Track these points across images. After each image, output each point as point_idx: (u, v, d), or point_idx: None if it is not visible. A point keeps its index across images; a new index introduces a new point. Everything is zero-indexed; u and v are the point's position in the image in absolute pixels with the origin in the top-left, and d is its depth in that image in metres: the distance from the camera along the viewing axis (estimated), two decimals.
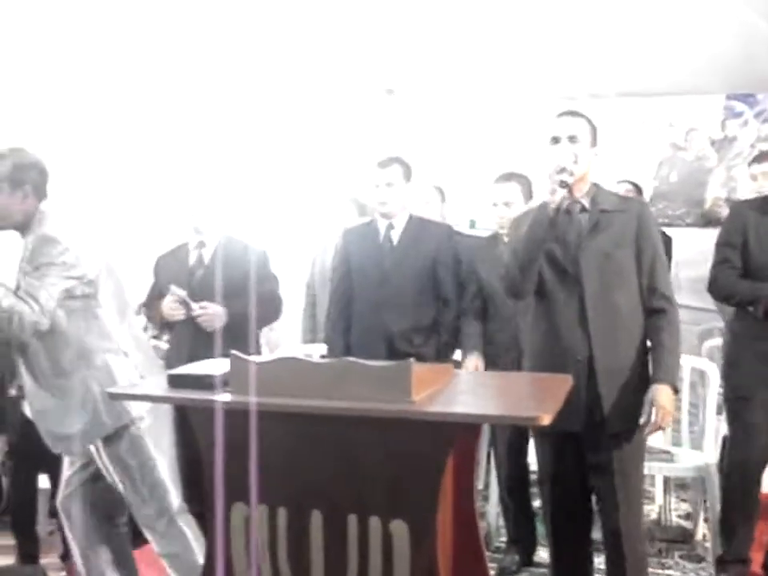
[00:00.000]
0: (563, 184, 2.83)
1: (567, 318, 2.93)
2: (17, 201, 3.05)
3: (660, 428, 2.96)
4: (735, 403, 3.70)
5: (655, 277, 2.97)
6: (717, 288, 3.65)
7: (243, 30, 5.51)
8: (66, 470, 3.35)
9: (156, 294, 4.21)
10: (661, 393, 2.90)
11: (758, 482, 3.72)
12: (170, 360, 4.25)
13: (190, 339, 3.95)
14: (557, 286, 2.96)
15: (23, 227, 3.09)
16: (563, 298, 2.94)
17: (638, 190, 5.16)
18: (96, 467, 3.27)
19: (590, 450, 2.95)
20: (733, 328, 3.79)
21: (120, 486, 3.20)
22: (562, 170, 2.84)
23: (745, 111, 6.81)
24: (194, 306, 3.89)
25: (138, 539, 3.57)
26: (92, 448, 3.16)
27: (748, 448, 3.65)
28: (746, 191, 3.82)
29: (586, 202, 2.99)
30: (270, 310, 4.19)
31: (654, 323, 2.97)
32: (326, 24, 5.59)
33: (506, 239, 3.93)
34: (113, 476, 3.19)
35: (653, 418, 2.88)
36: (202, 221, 4.10)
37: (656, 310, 2.97)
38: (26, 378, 3.19)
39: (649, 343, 2.98)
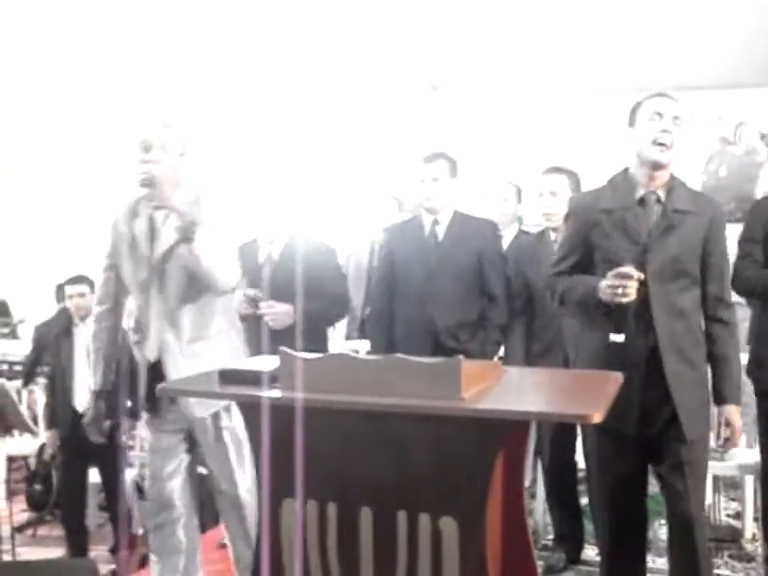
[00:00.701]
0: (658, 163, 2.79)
1: (630, 318, 2.80)
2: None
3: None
4: (765, 400, 3.64)
5: (723, 285, 2.91)
6: (740, 282, 3.57)
7: (293, 28, 5.54)
8: (163, 462, 3.37)
9: None
10: (733, 413, 2.87)
11: None
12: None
13: (259, 336, 3.96)
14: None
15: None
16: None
17: None
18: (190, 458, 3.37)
19: (657, 452, 2.88)
20: (758, 323, 3.72)
21: (213, 464, 3.31)
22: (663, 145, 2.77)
23: None
24: (262, 304, 3.92)
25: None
26: (205, 420, 3.23)
27: None
28: None
29: (662, 194, 2.86)
30: (338, 307, 4.22)
31: (718, 333, 2.90)
32: (371, 21, 5.59)
33: (552, 236, 3.92)
34: (211, 453, 3.28)
35: (725, 435, 2.88)
36: (272, 218, 4.13)
37: (720, 320, 2.90)
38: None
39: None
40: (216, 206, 3.26)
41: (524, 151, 6.68)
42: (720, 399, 2.88)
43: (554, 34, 5.81)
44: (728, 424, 2.88)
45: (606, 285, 2.71)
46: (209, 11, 5.31)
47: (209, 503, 4.41)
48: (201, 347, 3.19)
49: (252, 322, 3.97)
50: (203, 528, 4.27)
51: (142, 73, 6.38)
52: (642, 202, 2.85)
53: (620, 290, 2.66)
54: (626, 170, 2.92)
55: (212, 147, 7.27)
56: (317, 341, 3.95)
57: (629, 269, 2.66)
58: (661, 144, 2.76)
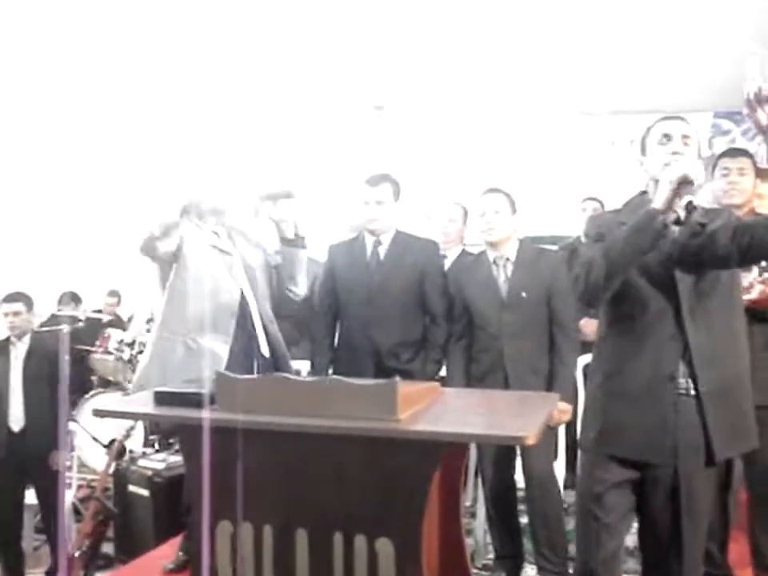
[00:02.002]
0: (690, 207, 2.52)
1: (659, 334, 2.64)
2: None
3: None
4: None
5: None
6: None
7: (233, 48, 5.53)
8: None
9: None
10: None
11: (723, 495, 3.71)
12: None
13: None
14: (646, 298, 2.68)
15: None
16: (653, 312, 2.66)
17: (603, 207, 5.15)
18: None
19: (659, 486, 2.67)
20: None
21: None
22: (689, 183, 2.51)
23: (732, 129, 6.86)
24: None
25: None
26: None
27: None
28: (717, 189, 3.74)
29: (681, 213, 2.66)
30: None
31: None
32: (316, 41, 5.61)
33: (491, 257, 3.94)
34: None
35: None
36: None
37: None
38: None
39: None
40: None
41: (468, 171, 6.73)
42: None
43: (496, 56, 5.88)
44: None
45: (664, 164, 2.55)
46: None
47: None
48: None
49: None
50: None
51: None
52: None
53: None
54: (644, 193, 2.79)
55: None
56: None
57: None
58: (688, 202, 2.56)
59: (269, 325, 3.56)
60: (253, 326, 3.48)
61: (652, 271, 2.66)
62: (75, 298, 7.34)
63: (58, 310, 7.35)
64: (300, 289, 3.67)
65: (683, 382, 2.61)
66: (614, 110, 6.36)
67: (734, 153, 3.86)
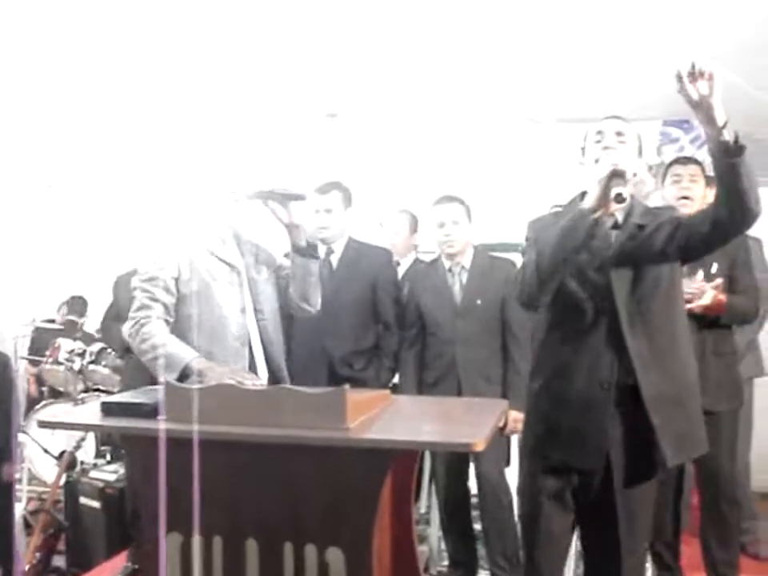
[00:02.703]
0: (619, 197, 2.48)
1: (596, 339, 2.62)
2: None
3: None
4: None
5: None
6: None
7: (191, 55, 5.50)
8: None
9: (114, 314, 4.20)
10: None
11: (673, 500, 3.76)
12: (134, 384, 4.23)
13: None
14: (582, 302, 2.65)
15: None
16: (589, 317, 2.64)
17: None
18: None
19: (605, 490, 2.64)
20: None
21: None
22: (619, 176, 2.49)
23: (681, 137, 6.95)
24: None
25: None
26: None
27: None
28: (669, 196, 3.79)
29: (620, 217, 2.69)
30: None
31: None
32: (268, 47, 5.59)
33: (447, 264, 3.96)
34: None
35: None
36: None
37: None
38: None
39: None
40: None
41: (421, 180, 6.75)
42: None
43: (450, 63, 5.90)
44: None
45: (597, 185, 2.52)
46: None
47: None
48: None
49: None
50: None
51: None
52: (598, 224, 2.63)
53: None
54: (584, 193, 2.70)
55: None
56: None
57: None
58: (616, 194, 2.53)
59: (268, 347, 3.11)
60: (251, 349, 3.06)
61: (588, 275, 2.65)
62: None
63: (65, 316, 7.28)
64: (313, 307, 3.24)
65: (622, 387, 2.59)
66: (561, 117, 6.42)
67: (684, 160, 3.93)
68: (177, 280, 2.94)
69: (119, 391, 3.87)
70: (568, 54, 5.65)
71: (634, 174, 2.67)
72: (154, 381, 2.71)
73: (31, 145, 7.12)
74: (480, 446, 2.06)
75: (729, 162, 2.35)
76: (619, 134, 2.68)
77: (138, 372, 4.08)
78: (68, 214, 7.90)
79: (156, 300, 2.89)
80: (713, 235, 2.52)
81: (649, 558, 4.06)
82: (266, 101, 6.52)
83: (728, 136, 2.35)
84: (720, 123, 2.34)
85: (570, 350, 2.65)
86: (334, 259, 4.03)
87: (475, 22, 5.18)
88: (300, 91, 6.40)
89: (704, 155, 7.03)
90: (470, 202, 4.07)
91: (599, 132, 2.70)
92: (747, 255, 3.60)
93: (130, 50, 5.52)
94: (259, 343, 3.08)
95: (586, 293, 2.64)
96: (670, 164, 3.95)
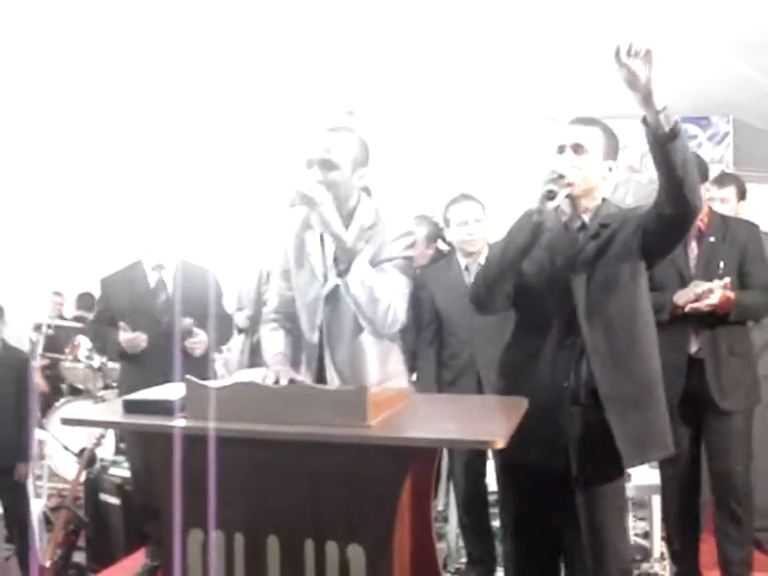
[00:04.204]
0: (550, 194, 2.51)
1: (554, 338, 2.65)
2: (353, 184, 2.76)
3: None
4: None
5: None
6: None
7: (198, 53, 5.52)
8: None
9: (107, 318, 4.20)
10: None
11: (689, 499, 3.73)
12: (129, 385, 4.25)
13: (154, 364, 3.92)
14: (543, 302, 2.68)
15: (346, 216, 2.75)
16: (550, 316, 2.66)
17: None
18: None
19: (568, 491, 2.65)
20: None
21: None
22: (554, 179, 2.53)
23: (699, 134, 6.93)
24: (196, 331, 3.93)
25: None
26: None
27: (674, 463, 3.66)
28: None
29: (587, 218, 2.70)
30: (227, 330, 4.22)
31: None
32: (287, 46, 5.61)
33: (464, 263, 3.96)
34: None
35: None
36: (157, 242, 4.11)
37: None
38: None
39: None
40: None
41: (437, 177, 6.75)
42: None
43: (466, 61, 5.91)
44: None
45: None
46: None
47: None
48: None
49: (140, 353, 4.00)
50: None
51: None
52: (566, 227, 2.72)
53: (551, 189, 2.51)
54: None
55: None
56: (210, 366, 4.04)
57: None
58: (546, 190, 2.56)
59: None
60: None
61: (551, 275, 2.67)
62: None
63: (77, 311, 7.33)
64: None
65: (582, 386, 2.60)
66: (579, 114, 6.40)
67: None
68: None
69: (120, 393, 3.89)
70: (584, 52, 5.64)
71: (604, 178, 2.68)
72: (143, 384, 2.70)
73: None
74: (500, 444, 2.06)
75: (663, 147, 2.35)
76: (578, 146, 2.64)
77: (132, 374, 4.12)
78: (76, 211, 7.96)
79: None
80: (661, 231, 2.53)
81: (667, 556, 4.07)
82: (285, 99, 6.54)
83: (664, 121, 2.33)
84: (658, 107, 2.32)
85: (533, 348, 2.68)
86: None
87: (493, 21, 5.19)
88: (319, 89, 6.42)
89: (722, 152, 7.04)
90: (486, 199, 4.06)
91: (560, 146, 2.67)
92: (759, 248, 3.56)
93: (142, 51, 5.55)
94: None
95: (548, 292, 2.66)
96: (710, 184, 3.85)
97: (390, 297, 2.65)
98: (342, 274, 2.63)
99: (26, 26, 5.17)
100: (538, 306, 2.68)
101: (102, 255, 5.71)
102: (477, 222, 3.89)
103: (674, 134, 2.34)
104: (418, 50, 5.74)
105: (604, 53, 5.59)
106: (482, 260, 3.91)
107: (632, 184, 6.90)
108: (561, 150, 2.66)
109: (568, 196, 2.61)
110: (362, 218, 2.77)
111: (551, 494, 2.68)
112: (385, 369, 2.83)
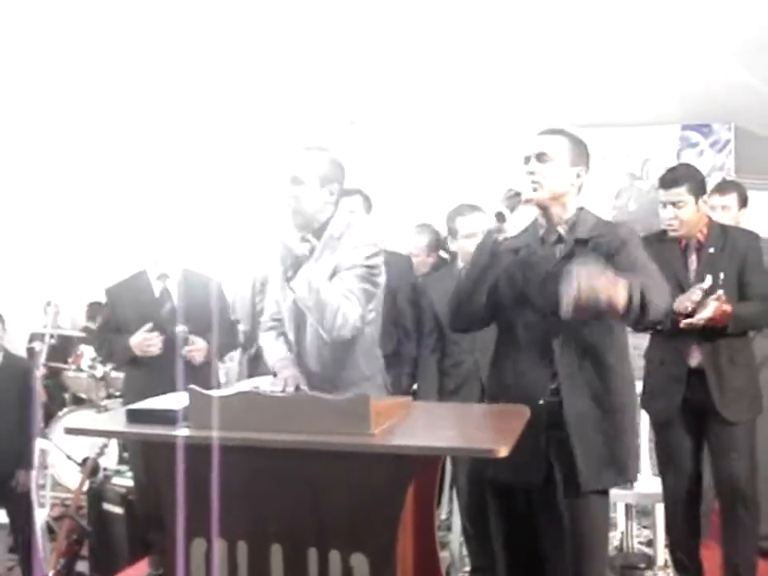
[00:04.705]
0: (499, 217, 2.60)
1: (531, 355, 2.66)
2: (321, 199, 2.91)
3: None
4: (660, 432, 3.66)
5: None
6: None
7: (202, 61, 5.54)
8: None
9: (113, 327, 4.20)
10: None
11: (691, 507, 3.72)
12: (134, 394, 4.26)
13: (160, 373, 3.94)
14: (521, 319, 2.69)
15: (319, 228, 2.92)
16: (527, 333, 2.68)
17: None
18: None
19: (545, 508, 2.67)
20: (647, 354, 3.75)
21: None
22: (509, 197, 2.60)
23: (700, 141, 6.93)
24: (189, 339, 3.93)
25: None
26: None
27: (676, 472, 3.66)
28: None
29: (563, 231, 2.71)
30: (232, 338, 4.23)
31: None
32: (290, 54, 5.62)
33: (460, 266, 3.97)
34: None
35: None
36: (162, 252, 4.12)
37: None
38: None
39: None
40: None
41: (439, 186, 6.76)
42: None
43: (468, 70, 5.92)
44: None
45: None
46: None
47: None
48: None
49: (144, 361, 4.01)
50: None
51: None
52: (543, 240, 2.74)
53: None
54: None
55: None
56: (214, 374, 4.07)
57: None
58: (497, 213, 2.65)
59: None
60: None
61: (528, 292, 2.68)
62: None
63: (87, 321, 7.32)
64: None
65: (553, 405, 2.61)
66: (581, 123, 6.42)
67: (669, 182, 3.58)
68: None
69: (125, 402, 3.89)
70: (586, 61, 5.66)
71: (572, 185, 2.70)
72: (149, 392, 2.74)
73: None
74: (503, 452, 2.06)
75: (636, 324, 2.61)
76: (541, 155, 2.68)
77: (137, 383, 4.13)
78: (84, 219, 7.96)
79: None
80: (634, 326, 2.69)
81: (671, 564, 4.06)
82: (288, 108, 6.55)
83: (627, 309, 2.41)
84: (622, 311, 2.40)
85: (511, 365, 2.72)
86: None
87: (494, 31, 5.20)
88: (321, 99, 6.44)
89: (723, 159, 7.04)
90: (488, 209, 4.06)
91: (526, 157, 2.71)
92: (758, 258, 3.53)
93: (143, 61, 5.57)
94: None
95: (523, 310, 2.69)
96: (710, 193, 3.80)
97: (338, 301, 2.75)
98: (289, 279, 2.77)
99: (27, 30, 5.19)
100: (515, 324, 2.71)
101: (107, 264, 5.70)
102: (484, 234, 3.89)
103: (631, 306, 2.40)
104: (420, 59, 5.75)
105: (607, 62, 5.62)
106: None
107: (634, 191, 6.93)
108: (526, 160, 2.70)
109: (540, 207, 2.68)
110: (333, 229, 2.91)
111: (532, 507, 2.69)
112: (351, 372, 2.92)
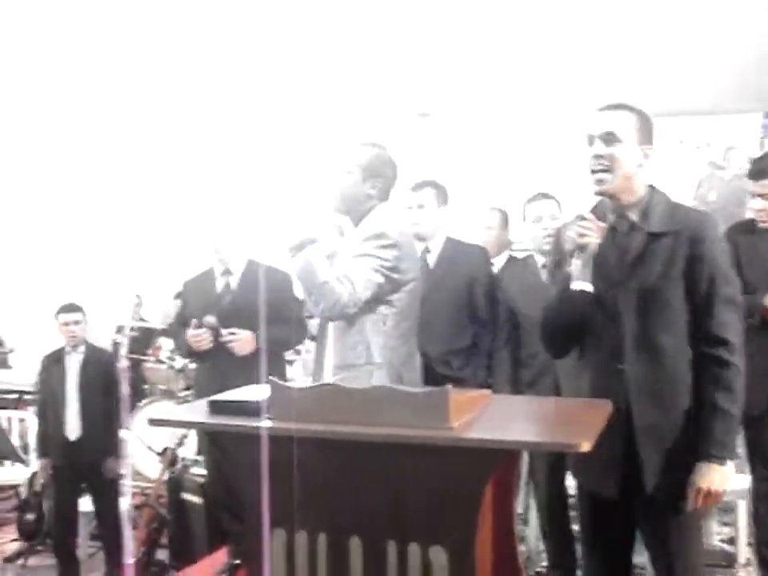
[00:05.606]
0: (573, 253, 2.51)
1: (603, 361, 2.55)
2: (363, 190, 3.12)
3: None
4: (750, 427, 3.60)
5: (710, 316, 2.45)
6: None
7: (275, 55, 5.57)
8: None
9: (183, 321, 4.30)
10: (706, 475, 2.40)
11: None
12: (200, 386, 4.34)
13: (219, 365, 4.03)
14: (593, 322, 2.56)
15: (357, 217, 3.15)
16: (599, 338, 2.56)
17: None
18: None
19: (639, 518, 2.56)
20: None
21: None
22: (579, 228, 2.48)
23: None
24: (224, 332, 3.98)
25: None
26: None
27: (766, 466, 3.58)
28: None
29: (635, 217, 2.52)
30: (299, 332, 4.27)
31: (705, 375, 2.47)
32: (361, 47, 5.64)
33: (540, 260, 3.94)
34: None
35: (696, 504, 2.43)
36: (225, 247, 4.19)
37: (710, 358, 2.46)
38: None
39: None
40: None
41: (513, 177, 6.71)
42: (699, 454, 2.44)
43: (540, 60, 5.86)
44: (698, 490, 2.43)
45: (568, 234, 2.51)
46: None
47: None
48: None
49: (208, 353, 4.10)
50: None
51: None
52: (613, 228, 2.56)
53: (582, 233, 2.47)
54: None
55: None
56: (277, 367, 4.12)
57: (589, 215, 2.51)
58: (593, 172, 2.51)
59: None
60: None
61: (599, 295, 2.52)
62: None
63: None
64: None
65: (624, 414, 2.46)
66: (658, 111, 6.30)
67: (757, 173, 3.55)
68: None
69: (200, 395, 3.96)
70: (667, 48, 5.56)
71: (641, 166, 2.52)
72: (223, 384, 2.85)
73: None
74: (586, 446, 2.03)
75: None
76: (609, 135, 2.49)
77: (208, 372, 4.21)
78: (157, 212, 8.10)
79: None
80: None
81: (754, 562, 3.98)
82: (359, 102, 6.57)
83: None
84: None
85: (591, 369, 2.60)
86: (432, 258, 4.03)
87: (570, 18, 5.13)
88: (393, 92, 6.44)
89: None
90: (568, 199, 4.05)
91: (589, 137, 2.53)
92: None
93: (212, 47, 5.62)
94: None
95: (597, 312, 2.54)
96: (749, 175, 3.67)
97: (333, 282, 2.88)
98: (292, 258, 2.99)
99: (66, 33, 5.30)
100: (591, 328, 2.58)
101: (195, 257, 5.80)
102: (553, 220, 3.91)
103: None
104: (490, 50, 5.71)
105: (687, 48, 5.50)
106: None
107: (715, 181, 6.78)
108: (590, 140, 2.53)
109: (609, 196, 2.53)
110: (368, 220, 3.09)
111: (620, 514, 2.58)
112: (356, 354, 3.04)
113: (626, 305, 2.50)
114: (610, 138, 2.48)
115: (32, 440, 5.60)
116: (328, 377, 3.03)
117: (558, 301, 2.61)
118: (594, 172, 2.49)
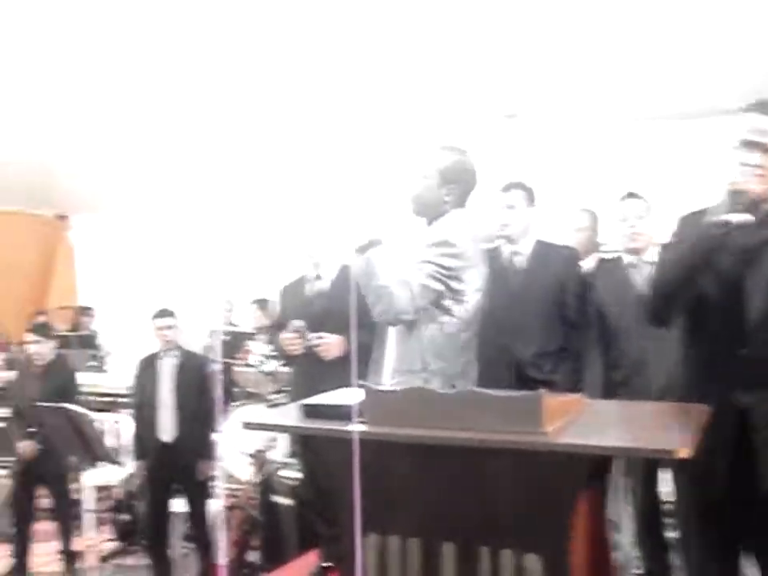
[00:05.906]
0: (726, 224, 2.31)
1: (723, 350, 2.44)
2: (438, 195, 3.10)
3: None
4: None
5: None
6: None
7: (362, 57, 5.60)
8: None
9: (279, 325, 4.36)
10: None
11: None
12: (293, 388, 4.39)
13: (308, 369, 4.07)
14: (715, 308, 2.46)
15: (430, 222, 3.14)
16: (721, 324, 2.45)
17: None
18: None
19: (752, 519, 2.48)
20: None
21: None
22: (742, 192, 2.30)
23: None
24: (312, 336, 4.02)
25: None
26: None
27: None
28: None
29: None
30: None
31: None
32: (448, 49, 5.63)
33: (634, 259, 3.87)
34: None
35: None
36: (317, 252, 4.23)
37: None
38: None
39: None
40: None
41: (602, 178, 6.61)
42: None
43: (627, 61, 5.79)
44: None
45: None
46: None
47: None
48: None
49: (300, 357, 4.14)
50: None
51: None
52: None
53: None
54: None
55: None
56: (362, 371, 4.04)
57: None
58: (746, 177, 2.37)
59: None
60: None
61: (726, 279, 2.41)
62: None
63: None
64: None
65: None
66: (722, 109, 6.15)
67: None
68: None
69: (293, 398, 4.01)
70: (712, 49, 5.45)
71: None
72: (312, 387, 2.88)
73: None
74: (684, 453, 1.98)
75: None
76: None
77: (299, 376, 4.25)
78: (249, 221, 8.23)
79: None
80: None
81: None
82: (447, 104, 6.57)
83: None
84: None
85: (705, 359, 2.49)
86: (520, 260, 4.00)
87: (649, 20, 5.07)
88: (480, 93, 6.42)
89: None
90: (653, 199, 3.98)
91: (747, 142, 2.39)
92: None
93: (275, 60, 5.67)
94: None
95: (723, 297, 2.43)
96: None
97: (393, 285, 2.86)
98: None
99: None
100: (713, 313, 2.47)
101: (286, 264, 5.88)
102: (639, 219, 3.87)
103: None
104: (577, 52, 5.65)
105: (747, 44, 5.33)
106: (648, 258, 3.83)
107: None
108: (749, 146, 2.37)
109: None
110: (438, 226, 3.06)
111: (739, 510, 2.50)
112: (401, 360, 3.07)
113: (754, 286, 2.40)
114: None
115: (126, 442, 5.74)
116: (387, 380, 3.02)
117: (697, 237, 2.41)
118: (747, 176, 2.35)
